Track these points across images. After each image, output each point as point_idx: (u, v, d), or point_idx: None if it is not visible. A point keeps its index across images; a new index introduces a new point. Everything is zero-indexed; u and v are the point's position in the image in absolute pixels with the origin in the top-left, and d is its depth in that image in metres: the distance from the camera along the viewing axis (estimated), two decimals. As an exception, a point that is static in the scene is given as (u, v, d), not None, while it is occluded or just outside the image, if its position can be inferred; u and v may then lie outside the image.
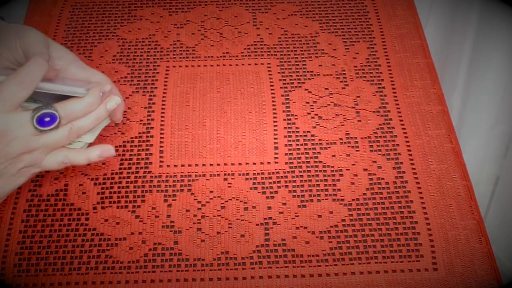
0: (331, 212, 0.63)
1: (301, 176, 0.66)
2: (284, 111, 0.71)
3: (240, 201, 0.64)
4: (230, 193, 0.65)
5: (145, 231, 0.62)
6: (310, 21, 0.81)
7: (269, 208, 0.63)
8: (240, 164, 0.67)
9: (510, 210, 1.19)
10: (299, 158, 0.67)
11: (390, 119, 0.71)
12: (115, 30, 0.80)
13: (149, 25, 0.81)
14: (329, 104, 0.72)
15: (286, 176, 0.66)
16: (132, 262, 0.60)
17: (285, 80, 0.74)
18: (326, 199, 0.64)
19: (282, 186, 0.65)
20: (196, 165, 0.67)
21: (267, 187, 0.65)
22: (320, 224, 0.62)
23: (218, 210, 0.63)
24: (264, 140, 0.69)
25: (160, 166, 0.67)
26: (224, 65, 0.76)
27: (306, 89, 0.73)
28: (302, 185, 0.65)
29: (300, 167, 0.67)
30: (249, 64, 0.76)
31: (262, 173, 0.66)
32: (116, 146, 0.68)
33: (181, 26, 0.81)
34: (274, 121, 0.71)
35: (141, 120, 0.70)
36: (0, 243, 0.61)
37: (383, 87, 0.74)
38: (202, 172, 0.66)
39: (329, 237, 0.61)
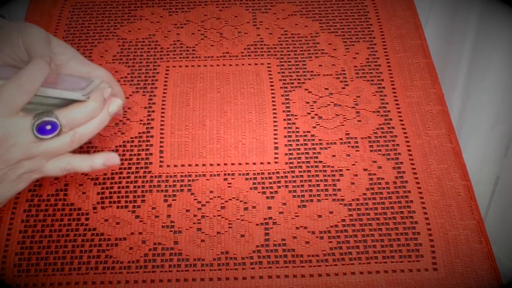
0: (331, 212, 0.63)
1: (301, 176, 0.66)
2: (284, 111, 0.71)
3: (240, 201, 0.64)
4: (230, 193, 0.65)
5: (145, 231, 0.62)
6: (310, 21, 0.81)
7: (269, 208, 0.63)
8: (240, 164, 0.67)
9: (510, 210, 1.19)
10: (299, 158, 0.67)
11: (390, 119, 0.71)
12: (115, 30, 0.80)
13: (149, 25, 0.81)
14: (329, 104, 0.72)
15: (286, 176, 0.66)
16: (132, 262, 0.60)
17: (285, 80, 0.74)
18: (326, 199, 0.64)
19: (282, 186, 0.65)
20: (196, 165, 0.67)
21: (267, 187, 0.65)
22: (320, 224, 0.62)
23: (218, 210, 0.63)
24: (264, 140, 0.69)
25: (160, 166, 0.67)
26: (224, 65, 0.76)
27: (306, 89, 0.73)
28: (302, 185, 0.65)
29: (300, 167, 0.67)
30: (249, 64, 0.76)
31: (262, 173, 0.66)
32: (116, 146, 0.68)
33: (181, 26, 0.81)
34: (274, 121, 0.71)
35: (141, 120, 0.71)
36: (0, 243, 0.61)
37: (383, 87, 0.74)
38: (202, 172, 0.66)
39: (329, 237, 0.61)
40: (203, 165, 0.67)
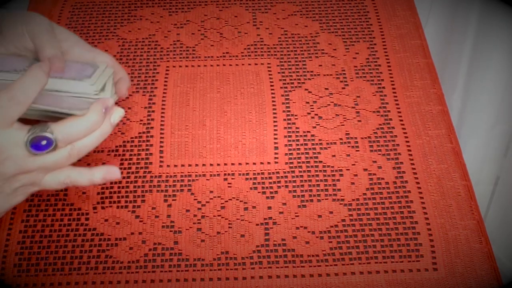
0: (331, 212, 0.63)
1: (301, 176, 0.66)
2: (284, 111, 0.71)
3: (240, 201, 0.64)
4: (230, 193, 0.65)
5: (145, 231, 0.62)
6: (310, 21, 0.81)
7: (269, 208, 0.63)
8: (240, 164, 0.67)
9: (510, 210, 1.19)
10: (299, 158, 0.67)
11: (390, 119, 0.71)
12: (115, 30, 0.80)
13: (149, 25, 0.81)
14: (329, 104, 0.72)
15: (286, 176, 0.66)
16: (132, 262, 0.60)
17: (285, 80, 0.74)
18: (326, 199, 0.64)
19: (282, 186, 0.65)
20: (196, 165, 0.67)
21: (267, 187, 0.65)
22: (320, 224, 0.62)
23: (218, 210, 0.63)
24: (264, 140, 0.69)
25: (160, 166, 0.67)
26: (224, 65, 0.76)
27: (306, 89, 0.73)
28: (302, 185, 0.65)
29: (300, 167, 0.67)
30: (249, 64, 0.76)
31: (262, 173, 0.66)
32: (116, 146, 0.68)
33: (181, 26, 0.81)
34: (274, 121, 0.71)
35: (141, 120, 0.71)
36: (0, 243, 0.61)
37: (383, 87, 0.74)
38: (202, 172, 0.66)
39: (329, 237, 0.61)
40: (203, 165, 0.67)
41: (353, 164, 0.67)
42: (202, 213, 0.63)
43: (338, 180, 0.66)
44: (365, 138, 0.69)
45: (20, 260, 0.60)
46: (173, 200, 0.64)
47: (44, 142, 0.54)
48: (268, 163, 0.67)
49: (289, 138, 0.69)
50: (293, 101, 0.72)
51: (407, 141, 0.69)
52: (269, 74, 0.75)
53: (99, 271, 0.59)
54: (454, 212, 0.63)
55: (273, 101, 0.73)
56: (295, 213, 0.63)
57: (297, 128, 0.70)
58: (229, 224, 0.62)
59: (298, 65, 0.76)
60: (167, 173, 0.66)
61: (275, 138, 0.69)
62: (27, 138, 0.53)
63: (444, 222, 0.62)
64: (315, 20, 0.81)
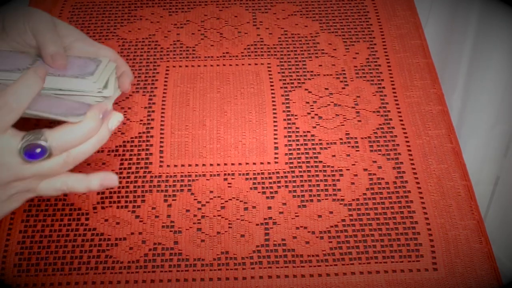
0: (331, 212, 0.63)
1: (301, 176, 0.66)
2: (284, 111, 0.71)
3: (240, 201, 0.64)
4: (230, 193, 0.65)
5: (145, 231, 0.62)
6: (310, 21, 0.81)
7: (269, 208, 0.63)
8: (240, 164, 0.67)
9: (510, 210, 1.19)
10: (299, 158, 0.67)
11: (390, 119, 0.71)
12: (115, 30, 0.80)
13: (149, 25, 0.81)
14: (329, 104, 0.72)
15: (286, 176, 0.66)
16: (132, 262, 0.60)
17: (285, 80, 0.74)
18: (326, 199, 0.64)
19: (282, 186, 0.65)
20: (196, 165, 0.67)
21: (267, 187, 0.65)
22: (320, 224, 0.62)
23: (218, 210, 0.63)
24: (264, 140, 0.69)
25: (160, 166, 0.67)
26: (224, 65, 0.76)
27: (306, 89, 0.73)
28: (302, 185, 0.65)
29: (300, 167, 0.67)
30: (249, 64, 0.76)
31: (262, 173, 0.66)
32: (116, 146, 0.68)
33: (181, 26, 0.81)
34: (274, 121, 0.71)
35: (141, 120, 0.71)
36: (0, 243, 0.61)
37: (383, 87, 0.74)
38: (202, 172, 0.66)
39: (329, 237, 0.61)
40: (203, 165, 0.67)
41: (353, 164, 0.67)
42: (202, 213, 0.63)
43: (338, 180, 0.66)
44: (365, 138, 0.69)
45: (20, 260, 0.60)
46: (173, 200, 0.64)
47: (38, 150, 0.52)
48: (268, 163, 0.67)
49: (289, 138, 0.69)
50: (293, 101, 0.72)
51: (407, 141, 0.69)
52: (269, 74, 0.75)
53: (99, 271, 0.59)
54: (454, 212, 0.63)
55: (273, 101, 0.73)
56: (295, 213, 0.63)
57: (297, 128, 0.70)
58: (229, 224, 0.62)
59: (298, 65, 0.76)
60: (167, 173, 0.66)
61: (275, 138, 0.69)
62: (20, 146, 0.52)
63: (444, 222, 0.62)
64: (315, 20, 0.81)
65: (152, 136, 0.69)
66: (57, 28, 0.64)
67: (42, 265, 0.59)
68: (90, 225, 0.62)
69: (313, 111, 0.71)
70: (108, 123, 0.57)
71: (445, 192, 0.65)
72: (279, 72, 0.75)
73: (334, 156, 0.67)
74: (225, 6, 0.83)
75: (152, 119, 0.71)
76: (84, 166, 0.66)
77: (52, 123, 0.56)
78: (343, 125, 0.70)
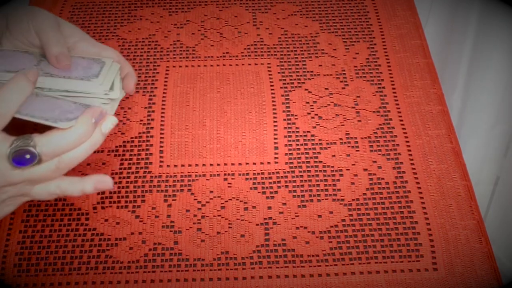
0: (331, 212, 0.63)
1: (301, 176, 0.66)
2: (284, 111, 0.71)
3: (240, 201, 0.64)
4: (230, 193, 0.65)
5: (145, 231, 0.62)
6: (310, 21, 0.81)
7: (269, 208, 0.63)
8: (240, 164, 0.67)
9: (510, 210, 1.19)
10: (299, 158, 0.67)
11: (390, 119, 0.71)
12: (115, 30, 0.80)
13: (149, 25, 0.81)
14: (329, 104, 0.72)
15: (286, 176, 0.66)
16: (132, 262, 0.60)
17: (285, 80, 0.74)
18: (326, 199, 0.64)
19: (282, 186, 0.65)
20: (196, 165, 0.67)
21: (267, 187, 0.65)
22: (320, 224, 0.62)
23: (218, 210, 0.63)
24: (264, 140, 0.69)
25: (160, 166, 0.67)
26: (224, 65, 0.76)
27: (306, 89, 0.73)
28: (302, 185, 0.65)
29: (300, 167, 0.67)
30: (249, 64, 0.76)
31: (262, 173, 0.66)
32: (116, 146, 0.68)
33: (181, 26, 0.81)
34: (274, 121, 0.71)
35: (141, 120, 0.71)
36: (0, 243, 0.61)
37: (383, 87, 0.74)
38: (202, 172, 0.66)
39: (329, 237, 0.61)
40: (203, 165, 0.67)
41: (353, 164, 0.67)
42: (202, 213, 0.63)
43: (338, 180, 0.66)
44: (365, 138, 0.69)
45: (20, 260, 0.60)
46: (173, 200, 0.64)
47: (27, 156, 0.51)
48: (268, 163, 0.67)
49: (289, 138, 0.69)
50: (293, 101, 0.72)
51: (407, 141, 0.69)
52: (269, 74, 0.75)
53: (99, 271, 0.59)
54: (454, 212, 0.63)
55: (273, 101, 0.73)
56: (295, 213, 0.63)
57: (297, 128, 0.70)
58: (229, 224, 0.62)
59: (298, 65, 0.76)
60: (167, 173, 0.66)
61: (275, 138, 0.69)
62: (9, 152, 0.51)
63: (444, 222, 0.62)
64: (315, 20, 0.81)
65: (152, 136, 0.69)
66: (60, 28, 0.64)
67: (42, 265, 0.59)
68: (90, 225, 0.62)
69: (313, 111, 0.71)
70: (102, 126, 0.56)
71: (445, 192, 0.65)
72: (279, 72, 0.75)
73: (334, 156, 0.67)
74: (225, 6, 0.83)
75: (152, 119, 0.71)
76: (84, 166, 0.66)
77: (47, 126, 0.55)
78: (343, 125, 0.70)
